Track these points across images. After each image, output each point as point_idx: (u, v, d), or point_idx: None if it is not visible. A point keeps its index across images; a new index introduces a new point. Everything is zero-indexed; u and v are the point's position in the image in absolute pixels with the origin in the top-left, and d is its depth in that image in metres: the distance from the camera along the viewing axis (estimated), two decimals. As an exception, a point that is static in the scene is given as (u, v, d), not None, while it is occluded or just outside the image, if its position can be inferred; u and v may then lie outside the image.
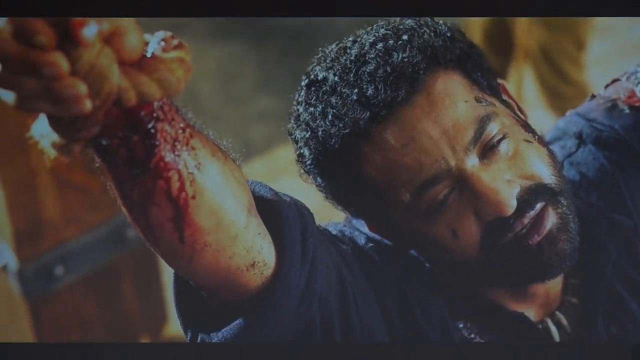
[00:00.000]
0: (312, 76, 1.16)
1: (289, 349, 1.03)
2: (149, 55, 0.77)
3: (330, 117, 1.12)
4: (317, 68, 1.16)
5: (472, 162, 1.10)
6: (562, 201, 1.13)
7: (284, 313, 0.99)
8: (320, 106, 1.13)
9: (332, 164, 1.14)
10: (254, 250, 0.94)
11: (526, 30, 3.09)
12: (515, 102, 1.22)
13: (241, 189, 0.91)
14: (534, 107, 3.23)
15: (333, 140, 1.12)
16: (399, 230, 1.17)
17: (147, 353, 1.21)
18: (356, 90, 1.11)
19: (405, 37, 1.13)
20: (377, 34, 1.15)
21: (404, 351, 1.15)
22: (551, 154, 1.16)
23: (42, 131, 0.76)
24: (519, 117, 1.18)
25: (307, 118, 1.14)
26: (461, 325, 1.20)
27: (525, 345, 1.22)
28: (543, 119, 3.07)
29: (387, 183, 1.12)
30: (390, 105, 1.10)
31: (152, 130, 0.81)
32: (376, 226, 1.20)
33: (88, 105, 0.71)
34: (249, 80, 4.09)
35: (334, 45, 1.18)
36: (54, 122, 0.75)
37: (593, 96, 1.34)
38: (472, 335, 1.20)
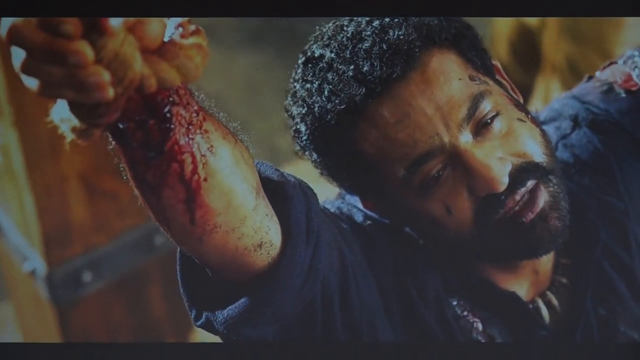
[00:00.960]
0: (308, 54, 1.18)
1: (289, 349, 1.04)
2: (166, 39, 0.77)
3: (326, 93, 1.13)
4: (314, 46, 1.18)
5: (465, 138, 1.12)
6: (553, 180, 1.15)
7: (288, 292, 1.00)
8: (316, 82, 1.14)
9: (328, 140, 1.15)
10: (261, 231, 0.95)
11: (553, 42, 3.07)
12: (509, 83, 1.23)
13: (250, 171, 0.92)
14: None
15: (329, 116, 1.13)
16: (393, 206, 1.18)
17: (152, 354, 1.21)
18: (352, 67, 1.12)
19: (400, 18, 1.14)
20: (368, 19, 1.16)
21: (406, 350, 1.16)
22: (544, 133, 1.17)
23: (62, 115, 0.77)
24: (512, 97, 1.19)
25: (303, 94, 1.16)
26: (455, 303, 1.22)
27: (527, 344, 1.22)
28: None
29: (382, 158, 1.13)
30: (386, 81, 1.11)
31: (168, 115, 0.82)
32: (371, 202, 1.21)
33: (111, 92, 0.72)
34: (276, 89, 4.09)
35: (330, 24, 1.19)
36: (76, 107, 0.75)
37: (589, 78, 1.35)
38: (465, 313, 1.22)
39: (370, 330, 1.13)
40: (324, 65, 1.15)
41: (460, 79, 1.13)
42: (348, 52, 1.13)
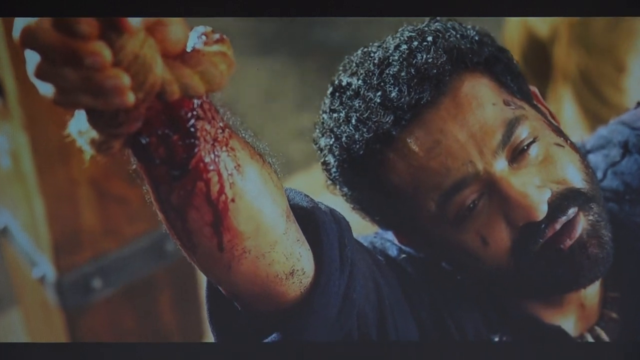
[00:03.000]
0: (336, 83, 1.15)
1: (290, 349, 1.00)
2: (189, 50, 0.74)
3: (353, 121, 1.10)
4: (342, 75, 1.15)
5: (500, 165, 1.08)
6: (594, 207, 1.11)
7: (323, 323, 0.97)
8: (343, 111, 1.12)
9: (357, 172, 1.12)
10: (293, 257, 0.91)
11: (565, 52, 3.04)
12: (548, 109, 1.19)
13: (279, 193, 0.89)
14: (574, 130, 3.18)
15: (357, 146, 1.10)
16: (427, 239, 1.15)
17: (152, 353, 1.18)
18: (380, 93, 1.09)
19: (430, 38, 1.11)
20: (401, 37, 1.13)
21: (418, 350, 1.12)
22: (584, 159, 1.14)
23: (80, 128, 0.74)
24: (550, 122, 1.16)
25: (331, 124, 1.13)
26: (497, 339, 1.17)
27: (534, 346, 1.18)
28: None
29: (414, 190, 1.10)
30: (415, 107, 1.08)
31: (192, 129, 0.79)
32: (404, 236, 1.18)
33: (131, 97, 0.69)
34: (290, 97, 4.07)
35: (359, 51, 1.17)
36: (94, 116, 0.72)
37: (638, 104, 1.32)
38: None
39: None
40: (351, 93, 1.12)
41: (494, 104, 1.10)
42: (375, 79, 1.11)
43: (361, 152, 1.10)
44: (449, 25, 1.15)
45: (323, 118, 1.15)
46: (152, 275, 2.34)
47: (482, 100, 1.09)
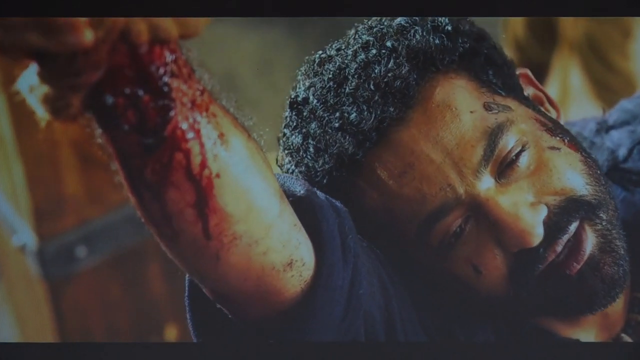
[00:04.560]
0: (293, 95, 1.01)
1: (290, 349, 0.88)
2: None
3: (311, 149, 0.98)
4: (301, 83, 1.01)
5: (485, 185, 0.95)
6: (602, 215, 0.98)
7: (326, 326, 0.85)
8: (300, 136, 0.98)
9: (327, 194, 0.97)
10: (290, 245, 0.80)
11: (571, 19, 2.99)
12: (544, 93, 1.05)
13: (269, 170, 0.78)
14: (580, 98, 3.13)
15: (319, 177, 0.97)
16: (415, 267, 1.00)
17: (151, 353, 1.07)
18: (337, 115, 0.96)
19: (389, 44, 0.98)
20: (359, 41, 0.99)
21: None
22: (586, 158, 1.00)
23: (30, 82, 0.64)
24: (544, 117, 1.01)
25: (290, 145, 1.00)
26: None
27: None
28: (589, 110, 2.96)
29: (390, 218, 0.97)
30: (379, 129, 0.95)
31: (166, 89, 0.69)
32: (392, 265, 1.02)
33: (88, 35, 0.60)
34: (289, 66, 3.99)
35: (317, 55, 1.03)
36: (46, 64, 0.62)
37: None
38: None
39: None
40: (308, 113, 0.98)
41: (472, 112, 0.96)
42: (331, 96, 0.97)
43: (325, 182, 0.97)
44: (413, 20, 1.00)
45: (285, 132, 1.02)
46: (140, 244, 2.25)
47: (458, 110, 0.96)
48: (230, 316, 0.86)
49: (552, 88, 2.73)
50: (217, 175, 0.73)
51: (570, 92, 3.09)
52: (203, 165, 0.73)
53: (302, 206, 0.84)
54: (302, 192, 0.86)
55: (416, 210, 0.95)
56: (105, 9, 0.63)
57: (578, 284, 0.96)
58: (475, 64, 1.00)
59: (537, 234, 0.94)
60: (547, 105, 1.05)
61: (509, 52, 1.09)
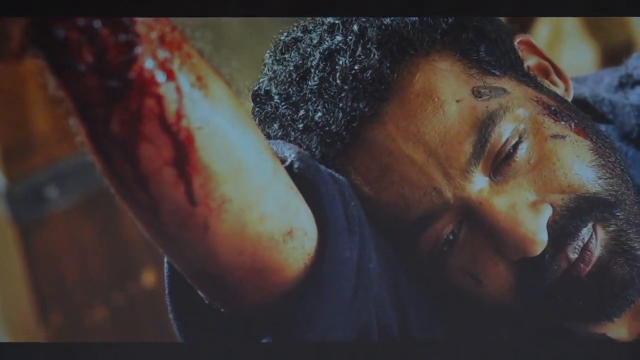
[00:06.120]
0: (256, 86, 0.90)
1: (290, 349, 0.79)
2: None
3: None
4: (267, 70, 0.90)
5: (477, 186, 0.84)
6: (618, 214, 0.86)
7: (337, 304, 0.75)
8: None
9: None
10: (289, 210, 0.71)
11: None
12: (551, 62, 0.94)
13: (254, 124, 0.70)
14: (573, 39, 3.07)
15: None
16: (411, 273, 0.89)
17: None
18: (302, 114, 0.85)
19: (356, 27, 0.86)
20: (324, 25, 0.88)
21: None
22: (598, 146, 0.88)
23: None
24: (548, 95, 0.89)
25: None
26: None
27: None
28: (583, 53, 2.90)
29: (373, 223, 0.84)
30: (350, 128, 0.84)
31: (127, 20, 0.60)
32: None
33: None
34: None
35: (283, 35, 0.91)
36: None
37: None
38: None
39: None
40: (270, 110, 0.88)
41: (458, 101, 0.84)
42: (294, 92, 0.86)
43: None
44: None
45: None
46: (114, 186, 2.24)
47: (441, 99, 0.84)
48: (222, 310, 0.77)
49: (542, 30, 2.67)
50: (199, 127, 0.64)
51: (562, 33, 3.03)
52: (180, 113, 0.64)
53: (295, 172, 0.75)
54: (293, 155, 0.76)
55: (400, 219, 0.85)
56: (106, 7, 0.59)
57: (589, 288, 0.86)
58: (463, 41, 0.87)
59: (540, 241, 0.83)
60: (553, 77, 0.94)
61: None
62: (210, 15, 0.75)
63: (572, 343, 0.94)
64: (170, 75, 0.63)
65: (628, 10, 1.23)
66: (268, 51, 0.92)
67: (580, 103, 0.98)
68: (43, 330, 2.20)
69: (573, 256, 0.84)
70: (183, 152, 0.64)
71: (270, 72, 0.89)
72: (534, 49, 0.94)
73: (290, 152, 0.76)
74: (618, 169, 0.88)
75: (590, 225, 0.85)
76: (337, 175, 0.80)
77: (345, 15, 0.88)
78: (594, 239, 0.85)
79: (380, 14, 0.87)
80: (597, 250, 0.85)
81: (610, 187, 0.86)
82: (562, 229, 0.84)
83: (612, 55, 2.40)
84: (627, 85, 1.01)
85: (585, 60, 2.72)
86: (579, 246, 0.85)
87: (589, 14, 2.18)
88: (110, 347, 1.29)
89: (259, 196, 0.68)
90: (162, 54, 0.63)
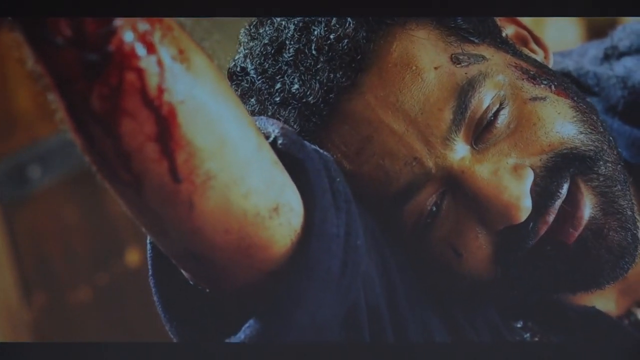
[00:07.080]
0: (232, 63, 0.89)
1: (290, 349, 0.77)
2: None
3: None
4: (241, 48, 0.89)
5: (459, 154, 0.83)
6: (601, 169, 0.85)
7: (325, 285, 0.73)
8: None
9: None
10: (274, 186, 0.70)
11: None
12: (528, 31, 0.93)
13: (238, 99, 0.68)
14: None
15: None
16: (396, 250, 0.87)
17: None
18: (278, 87, 0.84)
19: None
20: None
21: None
22: (578, 103, 0.86)
23: None
24: (527, 61, 0.89)
25: None
26: (519, 325, 0.92)
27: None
28: (568, 28, 2.89)
29: (358, 200, 0.81)
30: (327, 100, 0.83)
31: None
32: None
33: None
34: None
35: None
36: None
37: None
38: (536, 338, 0.92)
39: (424, 331, 0.85)
40: (247, 85, 0.86)
41: (436, 68, 0.83)
42: (269, 65, 0.85)
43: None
44: None
45: None
46: (97, 163, 2.25)
47: (420, 67, 0.83)
48: (208, 290, 0.75)
49: (526, 4, 2.67)
50: (181, 101, 0.63)
51: (547, 9, 3.05)
52: (161, 87, 0.63)
53: (279, 148, 0.74)
54: (277, 131, 0.75)
55: (381, 191, 0.84)
56: (107, 8, 0.58)
57: (579, 256, 0.84)
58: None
59: (525, 207, 0.81)
60: (532, 45, 0.93)
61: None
62: (209, 15, 0.75)
63: (558, 314, 0.93)
64: (151, 49, 0.62)
65: (628, 10, 1.21)
66: (243, 29, 0.90)
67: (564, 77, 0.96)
68: (26, 309, 2.20)
69: (551, 218, 0.82)
70: (165, 127, 0.63)
71: (246, 49, 0.88)
72: (511, 19, 0.93)
73: (273, 127, 0.75)
74: (599, 127, 0.87)
75: (568, 181, 0.83)
76: (322, 151, 0.78)
77: (352, 15, 0.86)
78: (581, 199, 0.84)
79: (376, 11, 0.86)
80: (586, 211, 0.84)
81: (591, 143, 0.85)
82: (543, 191, 0.83)
83: (598, 32, 2.40)
84: (612, 56, 1.01)
85: (570, 36, 2.72)
86: (564, 208, 0.83)
87: (589, 14, 2.18)
88: (100, 347, 1.30)
89: (244, 172, 0.68)
90: (142, 26, 0.62)
